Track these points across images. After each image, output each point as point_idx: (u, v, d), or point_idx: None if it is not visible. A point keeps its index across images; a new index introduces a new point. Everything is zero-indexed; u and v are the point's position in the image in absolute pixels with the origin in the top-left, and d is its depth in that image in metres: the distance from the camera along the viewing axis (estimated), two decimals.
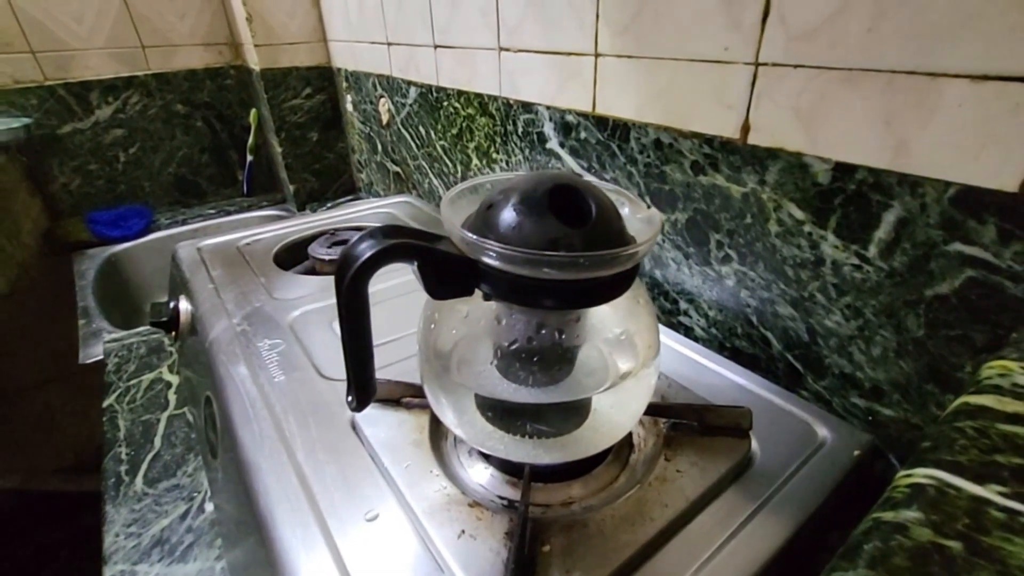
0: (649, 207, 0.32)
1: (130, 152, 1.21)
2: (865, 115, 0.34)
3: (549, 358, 0.30)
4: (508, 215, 0.27)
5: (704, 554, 0.30)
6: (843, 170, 0.36)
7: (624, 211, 0.31)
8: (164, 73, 1.18)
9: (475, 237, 0.25)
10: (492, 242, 0.25)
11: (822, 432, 0.38)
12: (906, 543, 0.21)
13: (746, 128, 0.42)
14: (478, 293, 0.28)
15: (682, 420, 0.37)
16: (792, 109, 0.38)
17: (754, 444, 0.36)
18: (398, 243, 0.25)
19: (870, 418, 0.41)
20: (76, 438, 1.35)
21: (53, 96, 1.09)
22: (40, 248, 1.12)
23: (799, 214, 0.40)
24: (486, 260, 0.26)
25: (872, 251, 0.37)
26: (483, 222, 0.28)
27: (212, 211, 1.29)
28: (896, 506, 0.23)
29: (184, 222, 1.23)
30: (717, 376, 0.44)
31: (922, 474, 0.24)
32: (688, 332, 0.53)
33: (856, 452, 0.36)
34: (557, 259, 0.25)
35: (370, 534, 0.31)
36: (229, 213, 1.29)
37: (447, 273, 0.27)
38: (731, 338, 0.49)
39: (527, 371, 0.30)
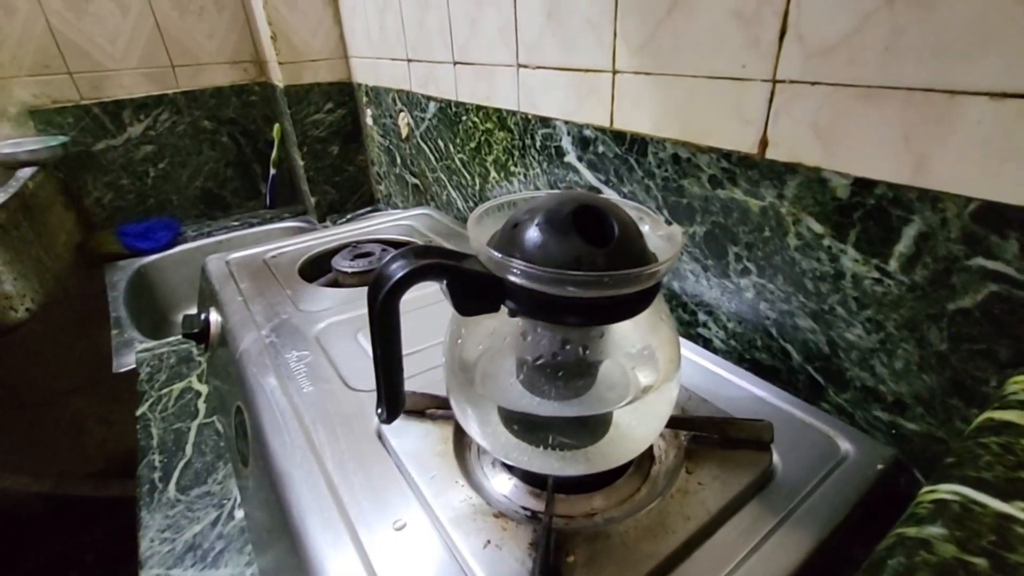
0: (669, 223, 0.32)
1: (159, 167, 1.25)
2: (884, 131, 0.35)
3: (573, 373, 0.30)
4: (533, 234, 0.28)
5: (726, 567, 0.30)
6: (862, 185, 0.37)
7: (644, 228, 0.32)
8: (192, 91, 1.23)
9: (501, 256, 0.27)
10: (518, 261, 0.26)
11: (844, 446, 0.38)
12: (931, 559, 0.21)
13: (764, 143, 0.42)
14: (504, 309, 0.29)
15: (703, 433, 0.38)
16: (810, 125, 0.39)
17: (775, 457, 0.37)
18: (429, 263, 0.26)
19: (893, 431, 0.40)
20: (104, 444, 1.39)
21: (88, 115, 1.14)
22: (74, 260, 1.17)
23: (818, 228, 0.40)
24: (511, 278, 0.27)
25: (893, 265, 0.37)
26: (509, 241, 0.29)
27: (236, 223, 1.32)
28: (920, 522, 0.23)
29: (210, 234, 1.27)
30: (737, 388, 0.45)
31: (947, 490, 0.24)
32: (707, 344, 0.53)
33: (879, 466, 0.36)
34: (581, 278, 0.26)
35: (399, 543, 0.32)
36: (252, 225, 1.32)
37: (474, 290, 0.28)
38: (751, 350, 0.49)
39: (551, 385, 0.31)
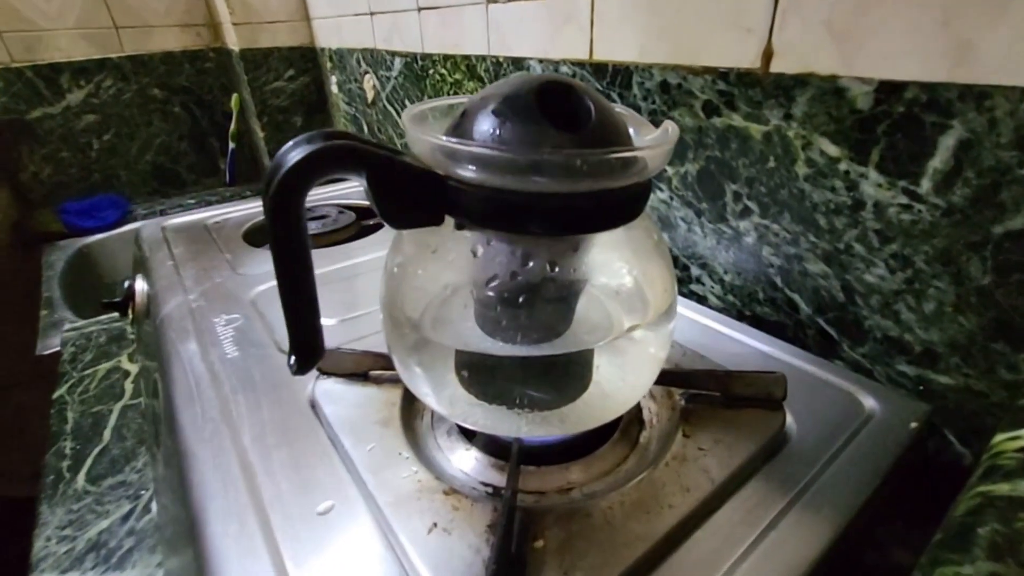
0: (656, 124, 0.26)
1: (104, 139, 1.15)
2: (916, 19, 0.29)
3: (539, 301, 0.24)
4: (487, 121, 0.21)
5: (736, 551, 0.24)
6: (888, 91, 0.31)
7: (629, 131, 0.25)
8: (139, 56, 1.13)
9: (445, 139, 0.20)
10: (469, 143, 0.19)
11: (868, 403, 0.32)
12: None
13: (768, 54, 0.36)
14: (449, 224, 0.22)
15: (702, 390, 0.31)
16: (824, 24, 0.32)
17: (789, 418, 0.31)
18: (343, 145, 0.19)
19: (921, 388, 0.35)
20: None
21: (21, 79, 1.04)
22: (9, 240, 1.06)
23: (833, 150, 0.34)
24: (460, 172, 0.20)
25: (925, 186, 0.31)
26: (456, 133, 0.22)
27: (192, 201, 1.23)
28: (1010, 476, 0.17)
29: (163, 212, 1.17)
30: (738, 344, 0.39)
31: None
32: (701, 301, 0.47)
33: (913, 424, 0.30)
34: (550, 160, 0.19)
35: (321, 531, 0.25)
36: (211, 203, 1.22)
37: (409, 192, 0.21)
38: (751, 304, 0.43)
39: (514, 320, 0.24)
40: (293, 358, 0.24)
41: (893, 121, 0.31)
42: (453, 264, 0.25)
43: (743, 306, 0.44)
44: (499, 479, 0.28)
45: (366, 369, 0.34)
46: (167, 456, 0.36)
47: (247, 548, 0.24)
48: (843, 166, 0.34)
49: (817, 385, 0.34)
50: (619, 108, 0.26)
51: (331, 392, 0.33)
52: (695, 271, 0.47)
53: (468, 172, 0.20)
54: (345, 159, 0.20)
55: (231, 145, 1.25)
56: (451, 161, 0.21)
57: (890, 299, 0.34)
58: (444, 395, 0.27)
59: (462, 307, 0.26)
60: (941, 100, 0.29)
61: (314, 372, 0.35)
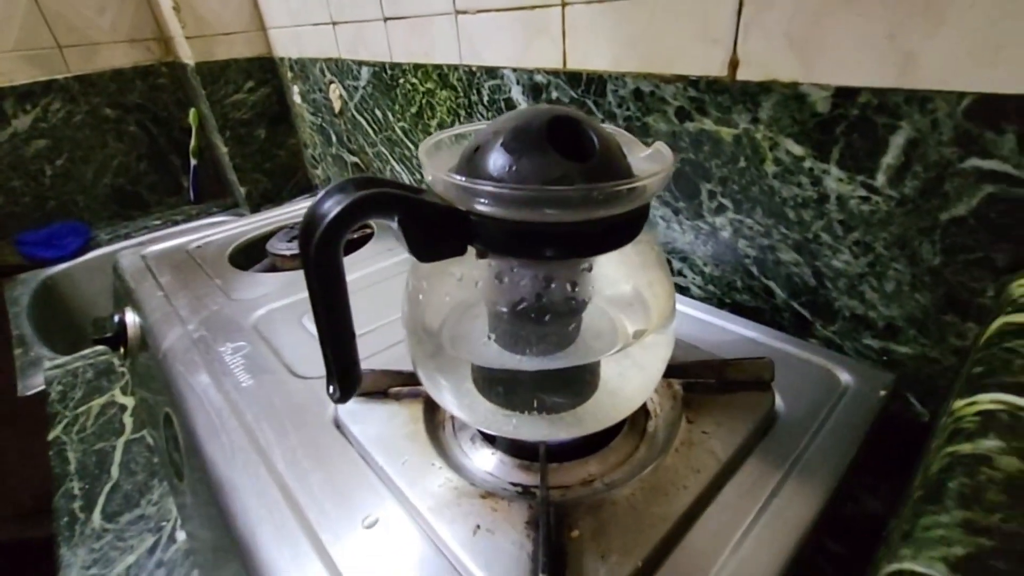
0: (648, 144, 0.28)
1: (57, 164, 1.10)
2: (866, 32, 0.32)
3: (559, 317, 0.26)
4: (500, 156, 0.23)
5: (747, 518, 0.27)
6: (844, 95, 0.34)
7: (626, 155, 0.28)
8: (87, 75, 1.08)
9: (466, 180, 0.22)
10: (488, 183, 0.21)
11: (844, 377, 0.36)
12: (996, 475, 0.18)
13: (734, 63, 0.39)
14: (471, 252, 0.24)
15: (698, 379, 0.35)
16: (784, 36, 0.35)
17: (777, 397, 0.34)
18: (375, 193, 0.21)
19: (884, 358, 0.39)
20: (31, 481, 1.23)
21: None
22: None
23: (798, 150, 0.38)
24: (479, 207, 0.22)
25: (880, 180, 0.34)
26: (471, 167, 0.24)
27: (158, 222, 1.19)
28: (971, 437, 0.20)
29: (127, 236, 1.14)
30: (723, 332, 0.42)
31: (988, 399, 0.22)
32: (684, 292, 0.51)
33: (882, 392, 0.34)
34: (565, 194, 0.21)
35: (370, 543, 0.27)
36: (177, 223, 1.20)
37: (434, 229, 0.23)
38: (731, 293, 0.47)
39: (534, 336, 0.26)
40: (333, 388, 0.25)
41: (850, 123, 0.34)
42: (471, 286, 0.27)
43: (723, 294, 0.48)
44: (525, 478, 0.30)
45: (386, 387, 0.36)
46: (195, 487, 0.37)
47: (304, 567, 0.26)
48: (807, 164, 0.37)
49: (797, 364, 0.37)
50: (609, 128, 0.28)
51: (355, 412, 0.35)
52: (676, 264, 0.50)
53: (488, 208, 0.22)
54: (379, 206, 0.21)
55: (193, 162, 1.22)
56: (471, 197, 0.23)
57: (855, 281, 0.38)
58: (470, 406, 0.29)
59: (479, 323, 0.29)
60: (890, 104, 0.32)
61: None
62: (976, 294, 0.33)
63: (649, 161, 0.27)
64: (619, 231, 0.24)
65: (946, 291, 0.34)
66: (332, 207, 0.21)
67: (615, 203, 0.22)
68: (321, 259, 0.21)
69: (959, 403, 0.23)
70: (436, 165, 0.25)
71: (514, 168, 0.23)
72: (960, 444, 0.20)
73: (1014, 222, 0.30)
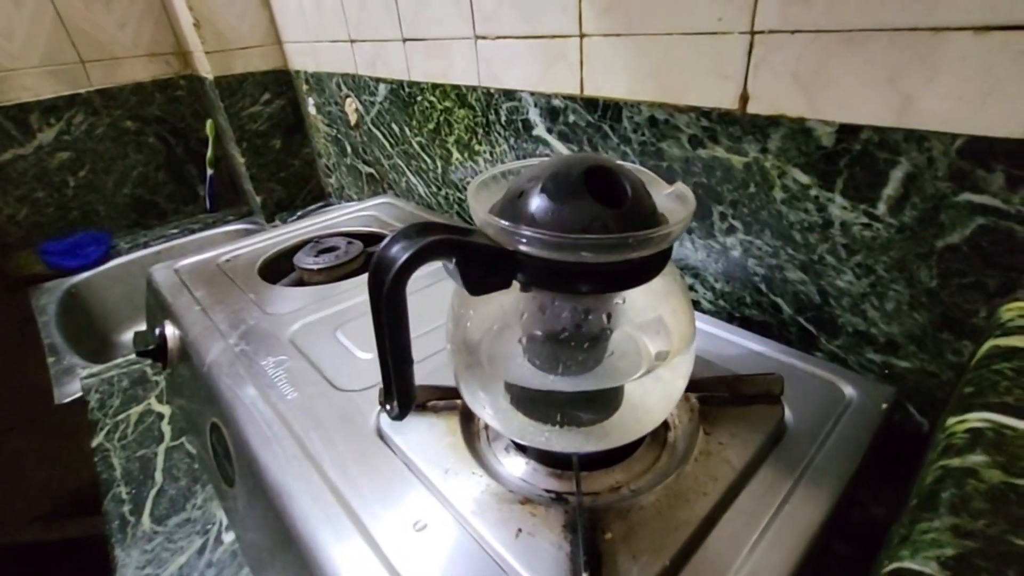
0: (670, 182, 0.31)
1: (80, 175, 1.13)
2: (868, 75, 0.35)
3: (593, 344, 0.29)
4: (541, 200, 0.26)
5: (760, 523, 0.30)
6: (847, 131, 0.37)
7: (653, 198, 0.30)
8: (108, 89, 1.11)
9: (516, 226, 0.25)
10: (533, 229, 0.24)
11: (848, 390, 0.39)
12: (980, 487, 0.21)
13: (745, 98, 0.42)
14: (515, 285, 0.27)
15: (714, 393, 0.38)
16: (791, 75, 0.38)
17: (786, 409, 0.37)
18: (437, 240, 0.24)
19: (886, 372, 0.42)
20: (49, 485, 1.27)
21: None
22: None
23: (804, 179, 0.40)
24: (524, 248, 0.25)
25: (881, 208, 0.37)
26: (514, 210, 0.27)
27: (175, 231, 1.23)
28: (960, 452, 0.23)
29: (146, 245, 1.17)
30: (734, 346, 0.45)
31: (976, 418, 0.24)
32: (695, 307, 0.54)
33: (884, 405, 0.37)
34: (604, 241, 0.24)
35: (422, 544, 0.30)
36: (194, 231, 1.23)
37: (484, 266, 0.26)
38: (740, 307, 0.50)
39: (570, 359, 0.29)
40: (391, 406, 0.28)
41: (853, 156, 0.37)
42: (521, 316, 0.30)
43: (733, 309, 0.51)
44: (557, 485, 0.33)
45: (424, 400, 0.39)
46: (250, 492, 0.40)
47: (365, 566, 0.29)
48: (813, 192, 0.40)
49: (806, 378, 0.40)
50: (634, 168, 0.31)
51: (396, 424, 0.38)
52: (688, 280, 0.53)
53: (531, 249, 0.25)
54: (440, 250, 0.24)
55: (209, 171, 1.25)
56: (518, 240, 0.26)
57: (858, 300, 0.41)
58: (508, 420, 0.32)
59: (516, 345, 0.31)
60: (890, 141, 0.35)
61: (375, 406, 0.40)
62: (970, 314, 0.36)
63: (671, 200, 0.30)
64: (649, 268, 0.27)
65: (942, 311, 0.37)
66: (399, 253, 0.24)
67: (646, 246, 0.25)
68: (390, 298, 0.24)
69: (951, 420, 0.26)
70: (481, 201, 0.28)
71: (553, 213, 0.26)
72: (951, 459, 0.23)
73: (1003, 251, 0.33)
